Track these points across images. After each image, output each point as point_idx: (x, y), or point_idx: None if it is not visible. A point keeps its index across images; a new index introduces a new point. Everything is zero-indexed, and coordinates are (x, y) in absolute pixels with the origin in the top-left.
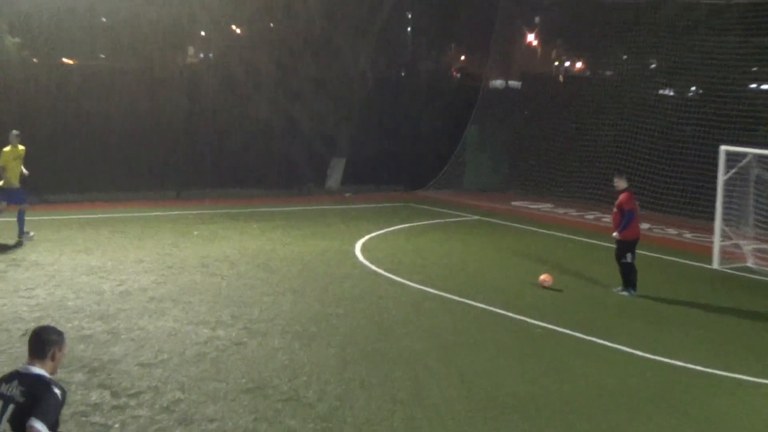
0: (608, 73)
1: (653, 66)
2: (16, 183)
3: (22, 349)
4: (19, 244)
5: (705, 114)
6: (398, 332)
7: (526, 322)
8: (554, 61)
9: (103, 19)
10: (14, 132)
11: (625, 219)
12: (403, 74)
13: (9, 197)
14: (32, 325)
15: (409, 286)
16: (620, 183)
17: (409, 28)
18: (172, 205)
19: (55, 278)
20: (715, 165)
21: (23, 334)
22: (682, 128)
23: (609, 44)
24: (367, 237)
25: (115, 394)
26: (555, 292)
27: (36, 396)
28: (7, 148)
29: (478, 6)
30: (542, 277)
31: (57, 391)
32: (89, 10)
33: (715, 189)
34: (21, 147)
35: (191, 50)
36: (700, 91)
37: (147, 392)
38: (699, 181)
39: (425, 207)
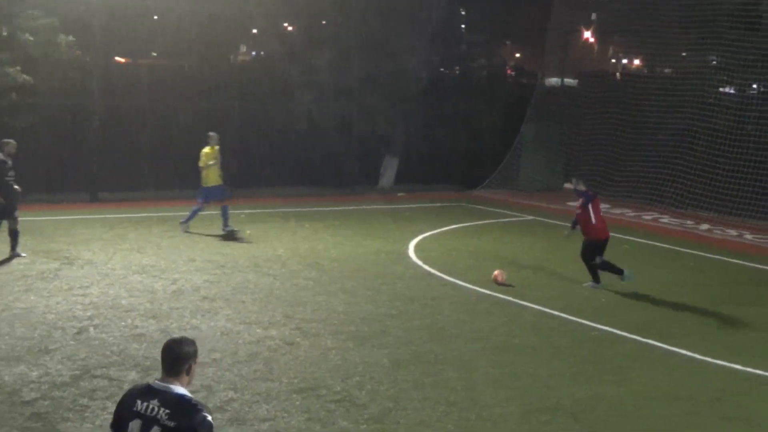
0: (667, 70)
1: (714, 62)
2: (218, 181)
3: (77, 347)
4: (229, 235)
5: (767, 112)
6: (451, 333)
7: (582, 324)
8: (611, 58)
9: (155, 18)
10: (212, 134)
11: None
12: (457, 71)
13: (212, 195)
14: (86, 323)
15: (462, 286)
16: (579, 186)
17: (463, 25)
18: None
19: (108, 277)
20: None
21: (77, 332)
22: (743, 127)
23: (668, 40)
24: (420, 237)
25: None
26: (613, 293)
27: (189, 423)
28: (207, 149)
29: (534, 2)
30: (495, 273)
31: (209, 417)
32: (141, 8)
33: None
34: (216, 147)
35: (243, 48)
36: (762, 89)
37: (200, 391)
38: (760, 181)
39: (479, 207)
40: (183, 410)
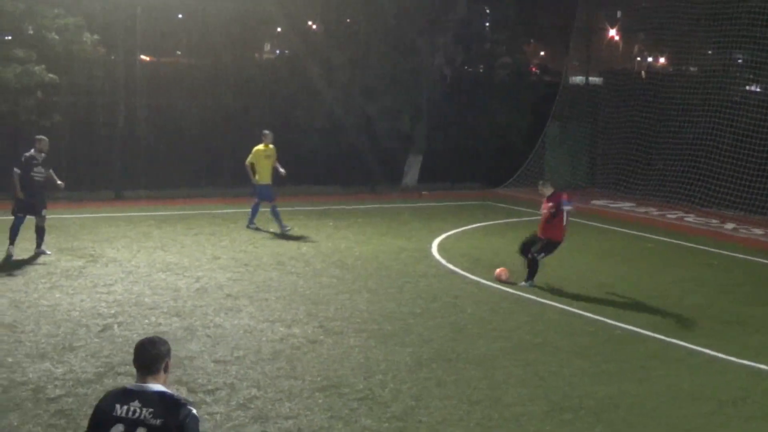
0: (692, 68)
1: (739, 60)
2: (267, 180)
3: (101, 344)
4: (253, 233)
5: None
6: (474, 332)
7: (605, 322)
8: (636, 56)
9: (180, 16)
10: (267, 132)
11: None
12: (481, 69)
13: (260, 193)
14: (110, 321)
15: (485, 285)
16: (544, 190)
17: (487, 23)
18: (248, 202)
19: (132, 274)
20: None
21: (101, 330)
22: None
23: (693, 38)
24: (443, 236)
25: (191, 391)
26: (636, 293)
27: (175, 420)
28: (260, 147)
29: (559, 0)
30: (498, 271)
31: (194, 410)
32: (166, 7)
33: None
34: (271, 146)
35: (267, 47)
36: None
37: (223, 389)
38: None
39: (503, 205)
40: (167, 406)
